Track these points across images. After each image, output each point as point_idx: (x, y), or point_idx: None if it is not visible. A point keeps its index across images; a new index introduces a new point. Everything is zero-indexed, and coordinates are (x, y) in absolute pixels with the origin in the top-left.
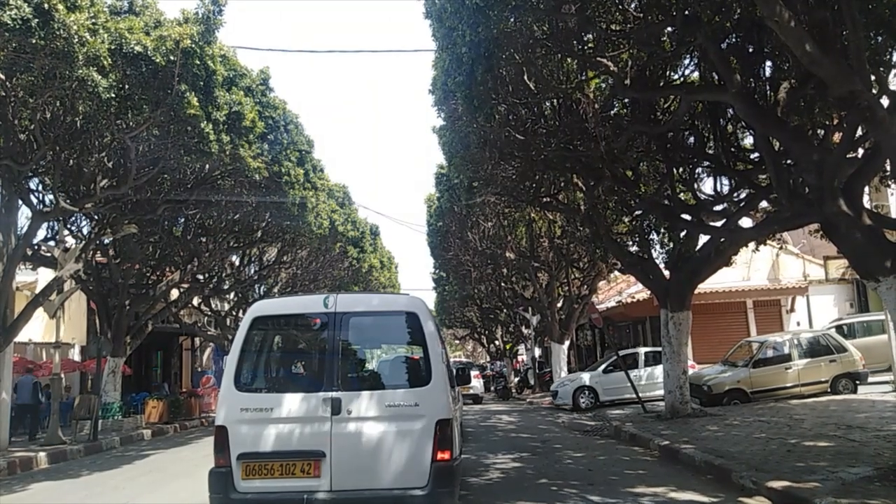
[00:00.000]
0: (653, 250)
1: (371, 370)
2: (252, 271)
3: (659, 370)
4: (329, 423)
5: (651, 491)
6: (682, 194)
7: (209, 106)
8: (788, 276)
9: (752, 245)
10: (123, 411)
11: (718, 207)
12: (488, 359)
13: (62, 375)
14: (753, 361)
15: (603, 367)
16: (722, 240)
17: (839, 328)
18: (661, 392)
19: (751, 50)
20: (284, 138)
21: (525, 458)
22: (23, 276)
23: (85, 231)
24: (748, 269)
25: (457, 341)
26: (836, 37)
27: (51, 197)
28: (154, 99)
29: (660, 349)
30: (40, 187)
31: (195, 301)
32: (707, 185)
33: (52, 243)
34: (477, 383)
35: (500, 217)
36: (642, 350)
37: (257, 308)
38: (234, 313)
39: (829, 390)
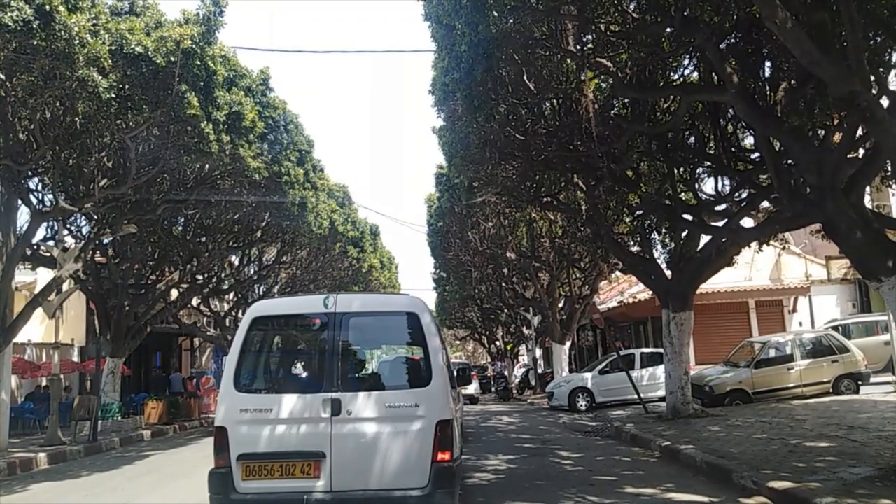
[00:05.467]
0: (654, 250)
1: (371, 371)
2: (252, 271)
3: (656, 371)
4: (329, 423)
5: (651, 491)
6: (683, 194)
7: (209, 106)
8: (791, 277)
9: (754, 245)
10: (123, 412)
11: (720, 207)
12: (489, 359)
13: (62, 376)
14: (755, 362)
15: (599, 368)
16: (723, 240)
17: (834, 329)
18: (659, 393)
19: (750, 50)
20: (284, 138)
21: (525, 459)
22: (22, 276)
23: (84, 231)
24: (750, 270)
25: (457, 342)
26: (835, 37)
27: (50, 197)
28: (154, 99)
29: (657, 350)
30: (40, 187)
31: (194, 301)
32: (708, 185)
33: (51, 243)
34: (473, 384)
35: (501, 217)
36: (638, 351)
37: (257, 308)
38: (233, 314)
39: (831, 391)
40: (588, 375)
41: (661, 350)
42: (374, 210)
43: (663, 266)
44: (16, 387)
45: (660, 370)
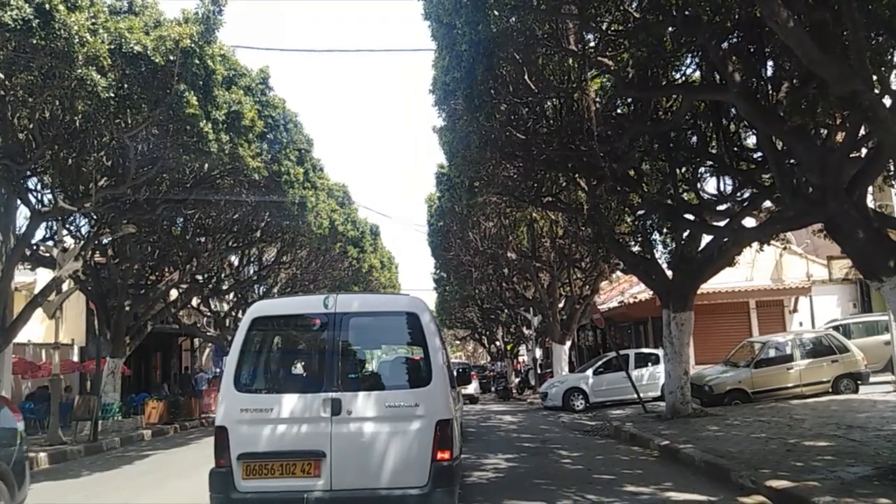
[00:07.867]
0: (655, 250)
1: (371, 371)
2: (251, 271)
3: (652, 371)
4: (329, 423)
5: (649, 490)
6: (685, 194)
7: (208, 105)
8: (792, 277)
9: (755, 245)
10: (123, 412)
11: (721, 207)
12: (489, 359)
13: (62, 376)
14: (755, 362)
15: (593, 368)
16: (725, 240)
17: (836, 329)
18: (653, 393)
19: (752, 49)
20: (284, 137)
21: (524, 458)
22: (21, 276)
23: (84, 231)
24: (751, 270)
25: (457, 342)
26: (836, 37)
27: (49, 196)
28: (153, 98)
29: (652, 351)
30: (39, 187)
31: (194, 301)
32: (710, 185)
33: (50, 243)
34: (473, 384)
35: (502, 217)
36: (632, 352)
37: (257, 308)
38: (233, 314)
39: (830, 390)
40: (583, 376)
41: (654, 350)
42: (374, 210)
43: (664, 266)
44: (14, 385)
45: (655, 370)
